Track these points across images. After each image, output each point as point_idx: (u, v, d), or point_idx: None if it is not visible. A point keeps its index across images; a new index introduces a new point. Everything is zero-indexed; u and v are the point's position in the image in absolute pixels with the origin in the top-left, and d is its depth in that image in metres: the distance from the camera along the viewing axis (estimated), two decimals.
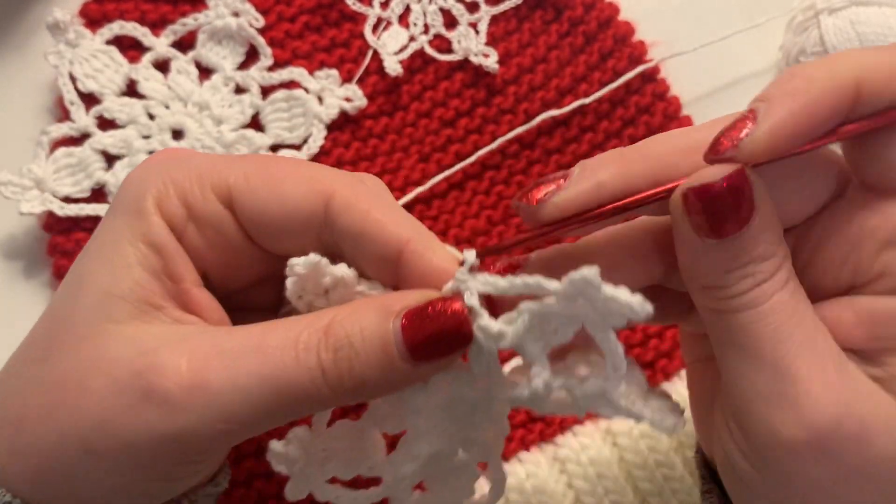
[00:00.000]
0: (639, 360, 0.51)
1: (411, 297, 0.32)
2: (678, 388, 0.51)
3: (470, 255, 0.33)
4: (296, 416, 0.33)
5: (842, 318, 0.32)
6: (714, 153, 0.31)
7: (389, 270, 0.34)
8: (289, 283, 0.34)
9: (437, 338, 0.31)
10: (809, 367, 0.30)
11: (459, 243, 0.52)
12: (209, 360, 0.31)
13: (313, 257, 0.33)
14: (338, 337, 0.31)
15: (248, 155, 0.37)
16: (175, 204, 0.34)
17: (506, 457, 0.50)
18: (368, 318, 0.32)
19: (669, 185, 0.32)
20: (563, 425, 0.51)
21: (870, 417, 0.30)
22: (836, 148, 0.34)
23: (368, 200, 0.34)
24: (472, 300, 0.32)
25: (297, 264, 0.33)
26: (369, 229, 0.33)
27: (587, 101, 0.53)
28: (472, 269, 0.33)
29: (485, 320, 0.31)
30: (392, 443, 0.37)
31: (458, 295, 0.32)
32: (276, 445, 0.35)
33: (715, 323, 0.32)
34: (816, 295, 0.33)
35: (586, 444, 0.50)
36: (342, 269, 0.34)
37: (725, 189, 0.30)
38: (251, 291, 0.38)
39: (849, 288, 0.33)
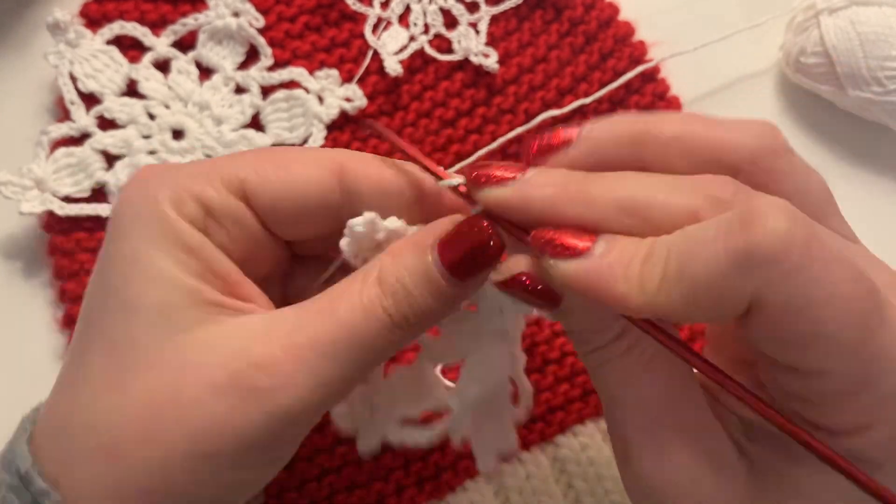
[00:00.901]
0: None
1: (440, 227, 0.35)
2: None
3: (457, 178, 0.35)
4: (380, 362, 0.37)
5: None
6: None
7: (415, 210, 0.37)
8: (345, 244, 0.36)
9: (472, 254, 0.34)
10: (639, 433, 0.33)
11: None
12: (298, 342, 0.33)
13: (369, 215, 0.36)
14: (390, 283, 0.34)
15: (246, 150, 0.38)
16: (191, 205, 0.35)
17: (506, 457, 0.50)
18: (408, 258, 0.34)
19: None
20: (563, 425, 0.51)
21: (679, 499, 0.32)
22: None
23: (373, 160, 0.37)
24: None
25: (357, 224, 0.36)
26: (387, 186, 0.37)
27: (587, 101, 0.53)
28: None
29: None
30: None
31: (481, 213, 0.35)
32: (340, 408, 0.39)
33: None
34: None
35: (586, 444, 0.50)
36: (394, 223, 0.36)
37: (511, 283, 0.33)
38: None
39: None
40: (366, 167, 0.37)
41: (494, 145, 0.53)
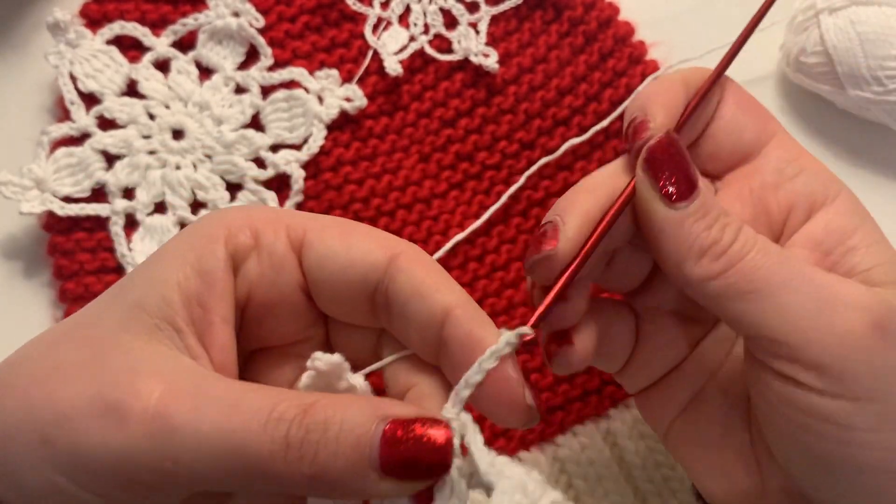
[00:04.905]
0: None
1: (408, 409, 0.31)
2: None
3: (508, 335, 0.33)
4: (247, 486, 0.31)
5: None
6: (632, 140, 0.37)
7: (433, 337, 0.34)
8: (305, 376, 0.33)
9: (416, 458, 0.30)
10: (829, 274, 0.35)
11: (459, 244, 0.52)
12: (183, 397, 0.30)
13: (336, 357, 0.33)
14: (315, 419, 0.30)
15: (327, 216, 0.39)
16: (246, 234, 0.35)
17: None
18: (354, 412, 0.30)
19: (630, 187, 0.36)
20: (563, 425, 0.51)
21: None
22: None
23: (429, 266, 0.35)
24: (455, 439, 0.31)
25: (320, 360, 0.33)
26: (423, 289, 0.34)
27: (605, 123, 0.53)
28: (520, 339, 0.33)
29: (458, 462, 0.31)
30: None
31: (447, 423, 0.31)
32: None
33: (728, 293, 0.34)
34: None
35: (586, 444, 0.50)
36: (358, 380, 0.34)
37: (668, 142, 0.36)
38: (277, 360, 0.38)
39: (776, 240, 0.38)
40: (416, 264, 0.34)
41: (511, 190, 0.53)
